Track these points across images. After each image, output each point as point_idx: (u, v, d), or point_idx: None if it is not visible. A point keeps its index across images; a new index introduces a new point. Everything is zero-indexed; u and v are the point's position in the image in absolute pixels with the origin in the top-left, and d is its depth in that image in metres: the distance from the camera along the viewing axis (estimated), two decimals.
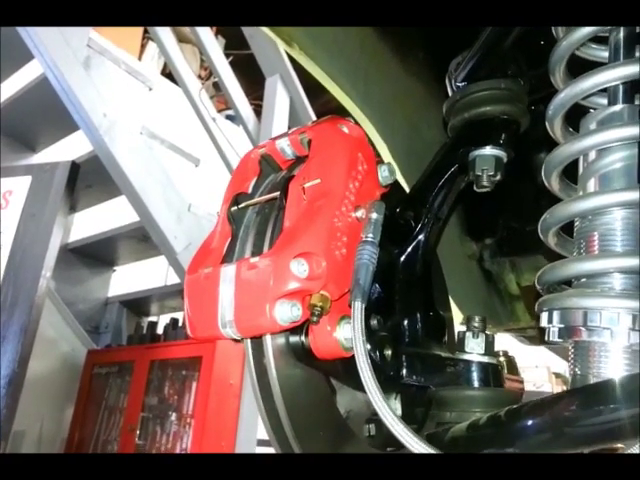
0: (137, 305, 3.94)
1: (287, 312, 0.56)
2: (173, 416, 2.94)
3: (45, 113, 3.47)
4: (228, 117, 4.42)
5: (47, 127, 3.71)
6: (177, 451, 2.84)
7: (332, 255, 0.60)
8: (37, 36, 2.57)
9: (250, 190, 0.72)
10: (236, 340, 0.62)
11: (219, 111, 4.12)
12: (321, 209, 0.61)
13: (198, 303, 0.61)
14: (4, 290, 2.48)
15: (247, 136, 3.48)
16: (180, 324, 3.19)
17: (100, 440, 3.19)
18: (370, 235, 0.62)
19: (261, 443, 3.02)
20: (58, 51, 2.67)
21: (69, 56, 2.71)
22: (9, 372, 2.32)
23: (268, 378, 0.61)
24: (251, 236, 0.67)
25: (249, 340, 0.62)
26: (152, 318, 3.86)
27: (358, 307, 0.56)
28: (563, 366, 7.39)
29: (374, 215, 0.63)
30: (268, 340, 0.61)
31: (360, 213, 0.64)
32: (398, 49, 1.27)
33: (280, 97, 3.28)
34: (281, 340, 0.62)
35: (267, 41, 3.19)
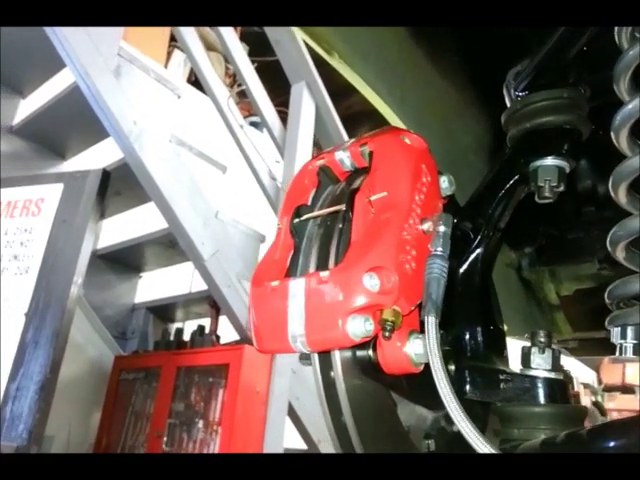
0: (163, 311, 3.96)
1: (360, 327, 0.55)
2: (200, 423, 2.94)
3: (75, 121, 3.52)
4: (252, 123, 4.44)
5: (77, 135, 3.77)
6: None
7: (402, 269, 0.59)
8: (69, 44, 2.61)
9: (310, 202, 0.71)
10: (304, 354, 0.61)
11: (243, 118, 4.14)
12: (389, 222, 0.61)
13: (266, 316, 0.61)
14: (36, 296, 2.51)
15: (273, 142, 3.49)
16: (207, 331, 3.20)
17: (127, 445, 3.21)
18: (440, 249, 0.61)
19: (287, 452, 3.01)
20: (89, 59, 2.70)
21: (100, 64, 2.75)
22: (41, 377, 2.35)
23: (336, 391, 0.61)
24: (315, 249, 0.66)
25: (316, 354, 0.62)
26: (178, 324, 3.88)
27: (432, 322, 0.56)
28: (591, 377, 7.27)
29: (442, 228, 0.62)
30: (337, 354, 0.60)
31: (427, 226, 0.64)
32: (435, 54, 1.27)
33: (306, 104, 3.29)
34: (348, 354, 0.62)
35: (293, 47, 3.20)
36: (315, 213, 0.69)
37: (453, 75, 1.30)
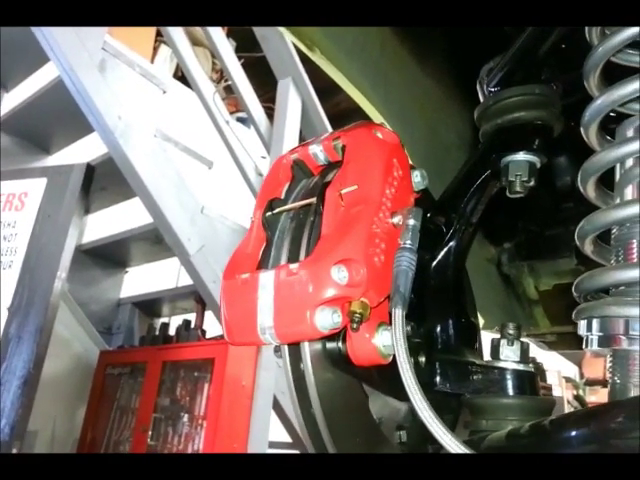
0: (149, 306, 3.95)
1: (328, 319, 0.56)
2: (185, 417, 2.94)
3: (60, 116, 3.49)
4: (239, 119, 4.43)
5: (61, 130, 3.73)
6: (189, 452, 2.84)
7: (371, 261, 0.60)
8: (53, 39, 2.58)
9: (283, 195, 0.72)
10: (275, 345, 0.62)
11: (230, 113, 4.12)
12: (359, 215, 0.61)
13: (236, 309, 0.61)
14: (19, 290, 2.49)
15: (259, 138, 3.48)
16: (192, 326, 3.20)
17: (112, 440, 3.20)
18: (408, 242, 0.62)
19: (272, 445, 3.02)
20: (74, 54, 2.68)
21: (85, 59, 2.73)
22: (24, 372, 2.34)
23: (306, 383, 0.61)
24: (286, 242, 0.67)
25: (286, 346, 0.63)
26: (164, 319, 3.87)
27: (399, 314, 0.56)
28: (573, 370, 7.36)
29: (411, 222, 0.63)
30: (306, 346, 0.61)
31: (397, 219, 0.64)
32: (418, 52, 1.27)
33: (292, 100, 3.28)
34: (318, 346, 0.62)
35: (279, 43, 3.19)
36: (287, 206, 0.69)
37: (437, 73, 1.30)
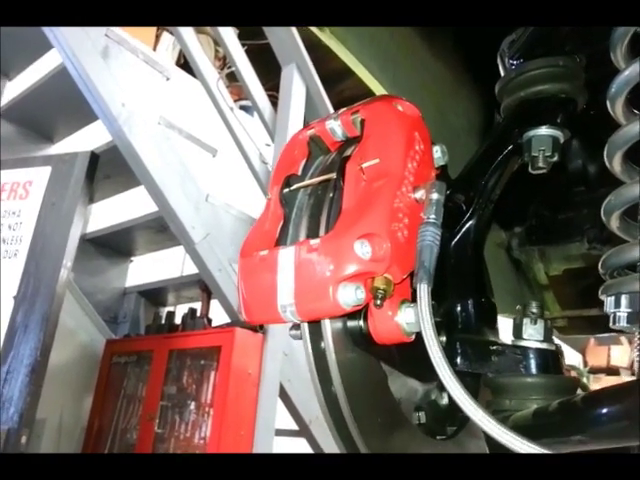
0: (154, 295, 3.94)
1: (351, 295, 0.54)
2: (192, 405, 2.94)
3: (63, 104, 3.46)
4: (242, 107, 4.40)
5: (65, 118, 3.71)
6: (196, 440, 2.84)
7: (394, 236, 0.58)
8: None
9: (300, 172, 0.70)
10: (295, 324, 0.60)
11: (233, 101, 4.09)
12: (381, 190, 0.60)
13: (254, 286, 0.60)
14: (25, 279, 2.49)
15: (263, 126, 3.45)
16: (198, 314, 3.19)
17: (119, 429, 3.21)
18: (432, 216, 0.60)
19: (279, 433, 3.03)
20: (77, 41, 2.66)
21: (88, 46, 2.70)
22: (32, 361, 2.34)
23: (327, 362, 0.60)
24: (305, 219, 0.65)
25: (307, 324, 0.61)
26: (169, 308, 3.86)
27: (424, 289, 0.55)
28: (577, 359, 7.35)
29: (435, 196, 0.61)
30: (327, 324, 0.59)
31: (419, 194, 0.63)
32: (428, 36, 1.25)
33: (296, 86, 3.25)
34: (339, 324, 0.61)
35: (283, 30, 3.16)
36: (305, 182, 0.68)
37: (447, 58, 1.29)
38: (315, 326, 0.61)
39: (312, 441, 3.00)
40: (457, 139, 1.39)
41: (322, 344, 0.60)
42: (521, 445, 0.42)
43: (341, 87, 3.54)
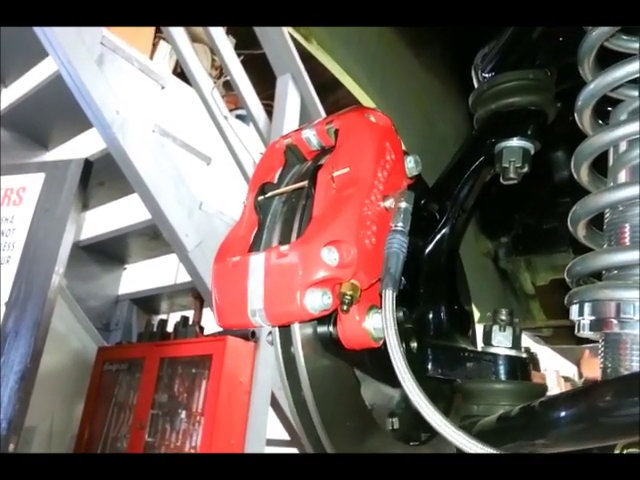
0: (147, 303, 3.94)
1: (318, 300, 0.55)
2: (183, 414, 2.94)
3: (58, 111, 3.48)
4: (238, 116, 4.43)
5: (60, 125, 3.73)
6: (186, 449, 2.83)
7: (362, 244, 0.59)
8: (51, 33, 2.58)
9: (276, 180, 0.72)
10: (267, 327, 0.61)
11: (229, 111, 4.12)
12: (351, 197, 0.61)
13: (227, 291, 0.61)
14: (17, 285, 2.49)
15: (258, 135, 3.48)
16: (190, 322, 3.19)
17: (110, 437, 3.20)
18: (400, 224, 0.61)
19: (270, 443, 3.02)
20: (72, 48, 2.67)
21: (83, 53, 2.72)
22: (22, 367, 2.33)
23: (296, 366, 0.61)
24: (278, 225, 0.67)
25: (277, 329, 0.62)
26: (162, 316, 3.86)
27: (389, 296, 0.56)
28: (572, 370, 7.35)
29: (403, 204, 0.63)
30: (296, 329, 0.61)
31: (389, 202, 0.64)
32: (415, 44, 1.27)
33: (291, 96, 3.28)
34: (309, 329, 0.62)
35: (279, 39, 3.19)
36: (279, 190, 0.69)
37: (435, 65, 1.30)
38: (285, 331, 0.62)
39: (303, 451, 2.99)
40: (445, 147, 1.40)
41: (292, 349, 0.61)
42: (471, 446, 0.43)
43: (336, 96, 3.56)
